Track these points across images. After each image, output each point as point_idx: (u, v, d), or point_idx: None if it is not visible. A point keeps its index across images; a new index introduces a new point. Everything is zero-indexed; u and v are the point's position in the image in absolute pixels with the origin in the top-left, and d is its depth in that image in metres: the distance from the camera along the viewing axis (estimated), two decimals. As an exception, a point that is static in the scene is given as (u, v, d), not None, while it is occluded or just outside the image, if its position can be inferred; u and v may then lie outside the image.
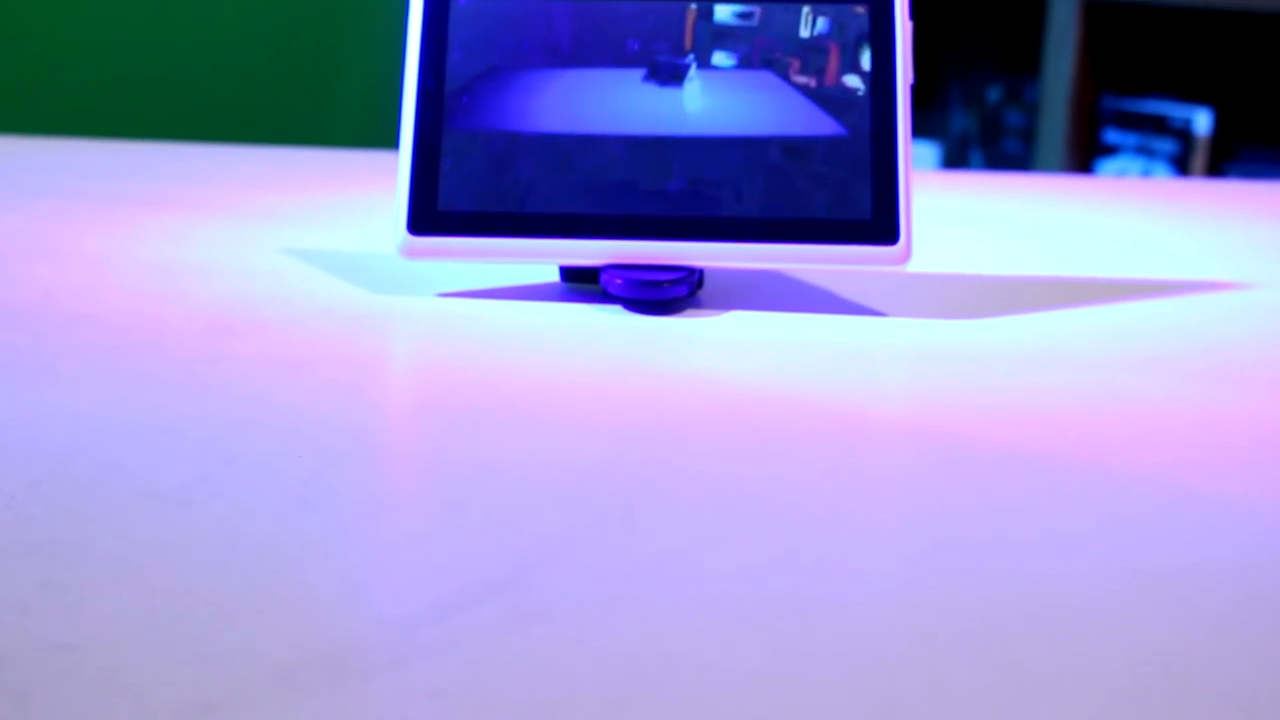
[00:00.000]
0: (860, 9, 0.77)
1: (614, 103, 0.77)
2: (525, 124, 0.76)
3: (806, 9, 0.77)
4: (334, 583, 0.48)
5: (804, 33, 0.77)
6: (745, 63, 0.78)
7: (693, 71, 0.77)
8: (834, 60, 0.77)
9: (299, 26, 2.25)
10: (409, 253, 0.76)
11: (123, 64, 2.08)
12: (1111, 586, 0.50)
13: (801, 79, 0.77)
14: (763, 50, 0.77)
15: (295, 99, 2.26)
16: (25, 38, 2.01)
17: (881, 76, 0.77)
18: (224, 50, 2.17)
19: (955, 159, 2.46)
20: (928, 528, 0.55)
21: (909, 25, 0.77)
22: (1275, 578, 0.51)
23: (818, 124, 0.76)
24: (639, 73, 0.77)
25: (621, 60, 0.77)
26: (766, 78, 0.77)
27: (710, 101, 0.77)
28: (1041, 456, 0.61)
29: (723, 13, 0.78)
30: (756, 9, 0.78)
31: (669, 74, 0.77)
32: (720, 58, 0.77)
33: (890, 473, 0.62)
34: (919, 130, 2.33)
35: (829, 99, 0.77)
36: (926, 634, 0.46)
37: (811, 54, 0.77)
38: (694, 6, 0.78)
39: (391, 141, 0.92)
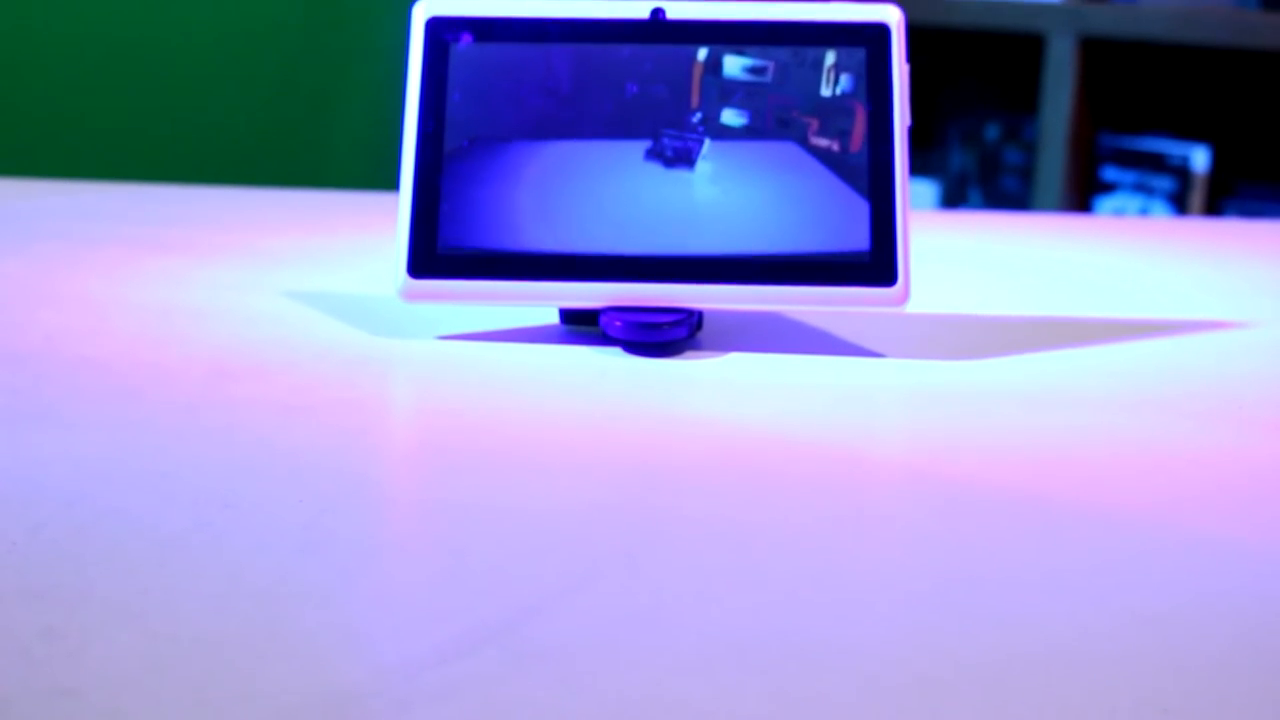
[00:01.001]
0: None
1: (617, 206, 0.75)
2: (518, 243, 0.76)
3: (830, 59, 0.76)
4: (335, 627, 0.48)
5: (825, 91, 0.77)
6: (758, 121, 0.76)
7: (706, 148, 0.76)
8: (860, 123, 0.76)
9: (299, 69, 2.25)
10: (409, 295, 0.76)
11: (123, 106, 2.09)
12: (1110, 628, 0.50)
13: (823, 142, 0.76)
14: (777, 109, 0.76)
15: (295, 141, 2.26)
16: (25, 81, 2.01)
17: (879, 118, 0.77)
18: (223, 93, 2.18)
19: (954, 198, 2.47)
20: (927, 569, 0.55)
21: (906, 68, 0.77)
22: (1274, 620, 0.51)
23: (851, 232, 0.75)
24: (642, 146, 0.76)
25: (621, 107, 0.77)
26: (787, 152, 0.76)
27: (725, 193, 0.75)
28: (1040, 497, 0.61)
29: (732, 66, 0.77)
30: (770, 64, 0.77)
31: (677, 155, 0.76)
32: (730, 116, 0.76)
33: (890, 514, 0.62)
34: (917, 169, 2.33)
35: (855, 171, 0.76)
36: (927, 676, 0.46)
37: (833, 115, 0.76)
38: (700, 59, 0.77)
39: (390, 183, 0.92)
